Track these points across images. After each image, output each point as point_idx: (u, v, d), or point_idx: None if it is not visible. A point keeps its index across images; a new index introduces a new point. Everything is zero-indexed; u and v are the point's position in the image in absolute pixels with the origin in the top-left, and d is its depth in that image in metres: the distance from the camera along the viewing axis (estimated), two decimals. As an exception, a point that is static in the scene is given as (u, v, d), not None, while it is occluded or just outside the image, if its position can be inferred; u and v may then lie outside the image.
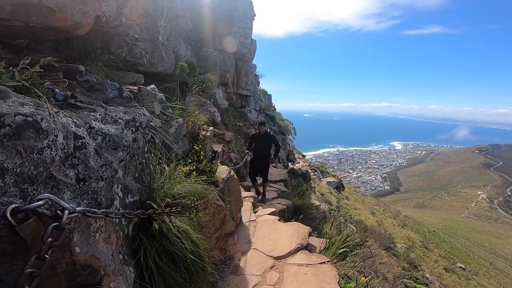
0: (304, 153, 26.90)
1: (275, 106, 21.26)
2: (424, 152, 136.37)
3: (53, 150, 0.93)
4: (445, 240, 21.34)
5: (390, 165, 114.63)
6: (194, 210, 2.08)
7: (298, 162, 16.37)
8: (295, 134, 20.43)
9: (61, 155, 0.99)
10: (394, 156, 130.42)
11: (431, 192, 75.56)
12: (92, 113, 1.30)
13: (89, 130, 1.19)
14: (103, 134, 1.25)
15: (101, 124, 1.28)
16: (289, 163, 13.63)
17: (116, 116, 1.46)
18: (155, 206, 1.63)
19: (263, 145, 5.84)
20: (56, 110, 1.06)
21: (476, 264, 17.67)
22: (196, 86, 8.13)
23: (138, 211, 1.41)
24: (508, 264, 22.32)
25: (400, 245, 13.19)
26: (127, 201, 1.53)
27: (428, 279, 10.45)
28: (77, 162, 1.08)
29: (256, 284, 2.69)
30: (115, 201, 1.31)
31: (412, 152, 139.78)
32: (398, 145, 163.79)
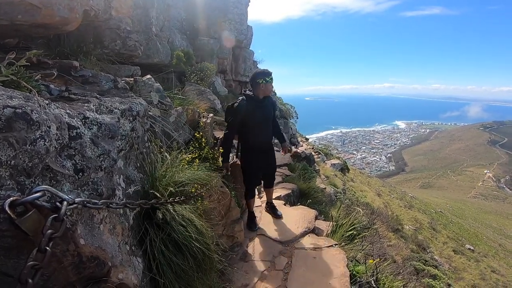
0: (307, 136, 26.82)
1: (275, 91, 21.02)
2: (428, 130, 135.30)
3: (47, 141, 0.91)
4: (453, 221, 21.42)
5: (394, 144, 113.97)
6: (198, 198, 2.08)
7: (302, 146, 16.36)
8: (297, 118, 20.32)
9: (56, 146, 0.97)
10: (398, 135, 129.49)
11: (436, 171, 75.41)
12: (86, 104, 1.27)
13: (83, 120, 1.17)
14: (99, 124, 1.22)
15: (95, 114, 1.26)
16: (293, 147, 13.63)
17: (112, 106, 1.43)
18: (158, 195, 1.63)
19: (268, 122, 3.27)
20: (47, 102, 1.03)
21: (485, 245, 17.72)
22: (194, 75, 8.07)
23: (140, 201, 1.40)
24: (517, 246, 22.48)
25: (407, 227, 13.20)
26: (129, 191, 1.53)
27: (437, 261, 10.47)
28: (73, 153, 1.06)
29: (265, 270, 2.70)
30: (117, 191, 1.31)
31: (416, 130, 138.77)
32: (401, 124, 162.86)
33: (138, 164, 1.68)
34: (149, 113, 2.15)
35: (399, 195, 21.72)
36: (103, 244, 1.14)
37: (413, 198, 23.72)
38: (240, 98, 3.11)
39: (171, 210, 1.68)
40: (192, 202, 1.98)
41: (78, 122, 1.13)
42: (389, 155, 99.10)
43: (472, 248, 15.16)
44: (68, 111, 1.12)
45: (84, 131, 1.14)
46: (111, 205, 1.12)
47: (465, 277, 11.30)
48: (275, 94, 20.12)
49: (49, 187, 0.87)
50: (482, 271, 12.66)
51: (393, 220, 12.03)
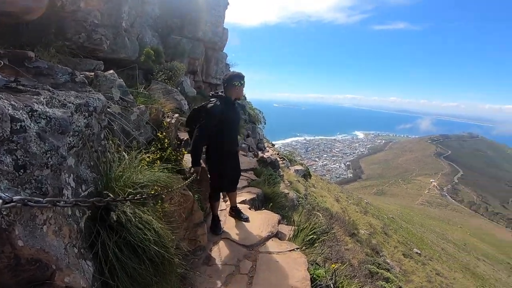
0: (273, 142, 27.32)
1: (245, 95, 21.14)
2: (383, 141, 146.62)
3: None
4: (403, 226, 23.23)
5: (353, 153, 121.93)
6: (158, 200, 2.01)
7: (268, 151, 16.60)
8: (265, 123, 20.62)
9: None
10: (357, 144, 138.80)
11: (389, 179, 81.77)
12: (35, 96, 1.17)
13: (30, 113, 1.07)
14: (48, 118, 1.13)
15: (45, 107, 1.16)
16: (259, 152, 13.77)
17: (65, 100, 1.34)
18: (112, 196, 1.54)
19: (237, 125, 3.50)
20: None
21: (430, 249, 19.37)
22: (162, 74, 7.80)
23: (94, 198, 1.32)
24: (457, 249, 25.05)
25: (363, 232, 13.88)
26: (80, 191, 1.43)
27: (389, 264, 11.07)
28: (15, 147, 0.97)
29: (230, 274, 2.69)
30: (65, 191, 1.22)
31: (372, 141, 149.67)
32: (360, 134, 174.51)
33: (92, 163, 1.58)
34: (108, 109, 2.04)
35: (356, 201, 23.01)
36: (46, 246, 1.06)
37: (368, 204, 25.29)
38: (213, 99, 3.00)
39: (128, 212, 1.61)
40: (152, 204, 1.91)
41: (24, 115, 1.04)
42: (347, 163, 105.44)
43: (419, 252, 16.52)
44: (13, 102, 1.02)
45: (30, 124, 1.05)
46: (58, 203, 1.03)
47: (414, 280, 12.26)
48: (245, 98, 20.24)
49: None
50: (428, 274, 13.85)
51: (350, 224, 12.67)
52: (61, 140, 1.18)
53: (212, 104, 2.94)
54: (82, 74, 2.24)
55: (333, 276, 2.91)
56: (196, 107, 3.21)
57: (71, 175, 1.35)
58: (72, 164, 1.35)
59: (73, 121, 1.30)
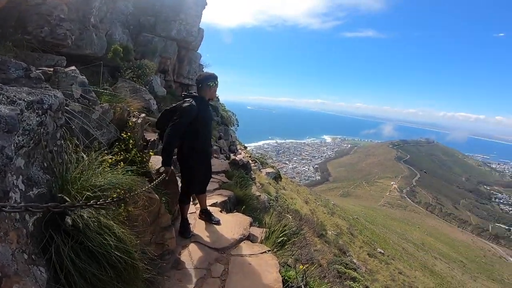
0: (245, 144, 27.38)
1: (218, 97, 20.96)
2: (349, 145, 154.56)
3: None
4: (367, 227, 24.48)
5: (321, 156, 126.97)
6: (121, 204, 1.92)
7: (240, 153, 16.60)
8: (238, 126, 20.62)
9: None
10: (325, 148, 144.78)
11: (354, 182, 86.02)
12: (-23, 90, 1.07)
13: (-29, 109, 0.97)
14: (-8, 115, 1.03)
15: (-10, 103, 1.06)
16: (231, 154, 13.72)
17: (16, 96, 1.23)
18: (68, 199, 1.45)
19: (211, 126, 3.44)
20: None
21: (392, 249, 20.60)
22: (130, 72, 7.53)
23: (49, 204, 1.23)
24: (416, 249, 26.93)
25: (330, 232, 14.31)
26: (31, 194, 1.32)
27: (356, 264, 11.48)
28: (-50, 147, 0.87)
29: (201, 278, 2.63)
30: (12, 194, 1.12)
31: (339, 145, 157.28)
32: (328, 139, 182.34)
33: (46, 164, 1.47)
34: (67, 108, 1.91)
35: (324, 203, 23.84)
36: None
37: (335, 206, 26.34)
38: (188, 99, 2.93)
39: (85, 216, 1.52)
40: (113, 208, 1.82)
41: (-37, 111, 0.94)
42: (316, 166, 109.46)
43: (382, 251, 17.47)
44: None
45: (-30, 121, 0.95)
46: (4, 208, 0.95)
47: (379, 279, 12.92)
48: (218, 99, 20.04)
49: None
50: (392, 272, 14.70)
51: (318, 226, 13.05)
52: (7, 140, 1.08)
53: (189, 103, 2.87)
54: (39, 70, 2.09)
55: (304, 277, 2.98)
56: (168, 107, 3.13)
57: (20, 176, 1.25)
58: (21, 165, 1.24)
59: (23, 119, 1.20)
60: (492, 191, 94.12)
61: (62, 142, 1.67)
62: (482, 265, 36.13)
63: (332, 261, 9.63)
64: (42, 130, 1.35)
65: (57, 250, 1.39)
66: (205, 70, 15.08)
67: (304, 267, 3.10)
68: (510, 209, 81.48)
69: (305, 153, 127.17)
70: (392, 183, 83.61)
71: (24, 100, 1.27)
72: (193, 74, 13.96)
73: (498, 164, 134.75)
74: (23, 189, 1.24)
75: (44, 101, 1.41)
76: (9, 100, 1.19)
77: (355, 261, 12.28)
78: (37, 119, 1.32)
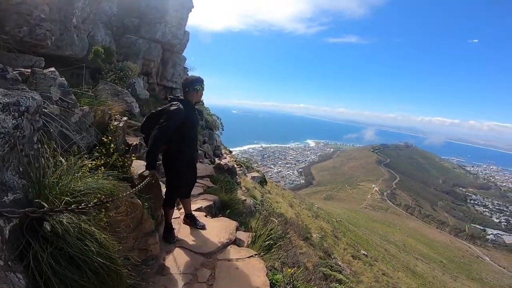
0: (230, 149, 27.28)
1: (203, 101, 20.78)
2: (332, 150, 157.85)
3: None
4: (350, 229, 24.92)
5: (305, 160, 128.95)
6: (102, 209, 1.88)
7: (225, 158, 16.52)
8: (223, 130, 20.52)
9: None
10: (308, 152, 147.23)
11: (337, 185, 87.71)
12: None
13: None
14: (-36, 117, 0.99)
15: (-38, 104, 1.02)
16: (216, 158, 13.63)
17: (-10, 97, 1.18)
18: (46, 205, 1.40)
19: (197, 130, 3.46)
20: None
21: (375, 250, 21.04)
22: (112, 74, 7.35)
23: (26, 209, 1.19)
24: (398, 250, 27.68)
25: (315, 235, 14.43)
26: (6, 199, 1.27)
27: (340, 266, 11.61)
28: None
29: (187, 283, 2.59)
30: (-15, 200, 1.07)
31: (323, 149, 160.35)
32: (311, 143, 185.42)
33: (22, 169, 1.42)
34: (45, 110, 1.85)
35: (308, 206, 24.09)
36: None
37: (319, 209, 26.68)
38: (175, 103, 2.92)
39: (64, 222, 1.48)
40: (94, 213, 1.78)
41: None
42: (300, 170, 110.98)
43: (366, 253, 17.82)
44: None
45: None
46: None
47: (363, 280, 13.14)
48: (203, 103, 19.86)
49: None
50: (376, 274, 15.01)
51: (303, 229, 13.16)
52: (-19, 143, 1.04)
53: (176, 107, 2.86)
54: (16, 70, 2.01)
55: (291, 280, 3.01)
56: (154, 110, 3.09)
57: (-6, 182, 1.20)
58: (-5, 170, 1.19)
59: (-2, 121, 1.16)
60: (467, 193, 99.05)
61: (39, 146, 1.62)
62: (461, 265, 37.74)
63: (318, 264, 9.72)
64: (18, 133, 1.30)
65: (35, 256, 1.35)
66: (189, 73, 14.95)
67: (292, 270, 3.13)
68: (484, 210, 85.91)
69: (290, 157, 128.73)
70: (373, 186, 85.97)
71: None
72: (177, 77, 13.80)
73: (472, 166, 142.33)
74: (-3, 195, 1.19)
75: (21, 103, 1.36)
76: (-17, 102, 1.15)
77: (339, 263, 12.45)
78: (13, 121, 1.27)
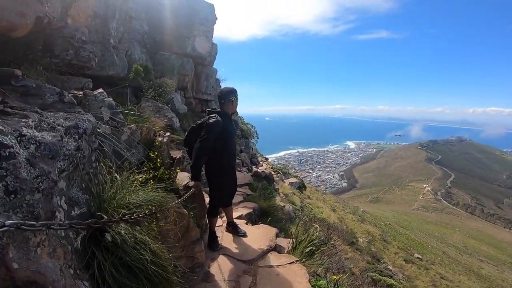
0: (266, 156, 27.33)
1: (237, 111, 21.13)
2: (375, 150, 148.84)
3: None
4: (401, 232, 23.16)
5: (346, 163, 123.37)
6: (153, 219, 1.99)
7: (262, 165, 16.58)
8: (258, 138, 20.67)
9: None
10: (349, 154, 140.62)
11: (383, 187, 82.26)
12: (23, 119, 1.17)
13: (19, 138, 1.07)
14: (37, 143, 1.13)
15: (34, 131, 1.16)
16: (253, 166, 13.74)
17: (54, 122, 1.33)
18: (106, 217, 1.53)
19: (235, 139, 3.46)
20: None
21: (431, 254, 19.25)
22: (152, 91, 7.76)
23: (89, 220, 1.31)
24: (458, 252, 24.97)
25: (361, 240, 13.73)
26: (73, 213, 1.41)
27: (391, 271, 10.93)
28: (5, 174, 0.97)
29: None
30: (57, 214, 1.21)
31: (364, 150, 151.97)
32: (352, 144, 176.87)
33: (84, 185, 1.57)
34: (98, 130, 2.03)
35: (352, 210, 22.98)
36: (41, 268, 1.06)
37: (364, 212, 25.26)
38: (213, 115, 3.04)
39: (122, 233, 1.60)
40: (146, 223, 1.89)
41: (12, 141, 1.04)
42: (341, 173, 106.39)
43: (420, 256, 16.38)
44: (0, 127, 1.02)
45: (19, 150, 1.05)
46: (52, 226, 1.04)
47: (418, 285, 12.09)
48: (237, 113, 20.31)
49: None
50: (433, 278, 13.70)
51: (348, 233, 12.57)
52: (52, 165, 1.17)
53: (214, 119, 2.97)
54: (70, 93, 2.23)
55: (336, 286, 2.89)
56: (194, 124, 3.26)
57: (63, 197, 1.34)
58: (63, 187, 1.33)
59: (63, 145, 1.30)
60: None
61: (97, 164, 1.77)
62: (538, 267, 32.57)
63: (366, 269, 9.20)
64: (79, 154, 1.45)
65: (99, 265, 1.46)
66: (222, 84, 15.40)
67: (337, 277, 3.00)
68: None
69: (329, 160, 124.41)
70: (424, 185, 79.05)
71: (62, 126, 1.38)
72: (211, 90, 14.27)
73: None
74: (66, 209, 1.33)
75: (79, 126, 1.51)
76: (49, 126, 1.30)
77: (390, 267, 11.67)
78: (75, 144, 1.42)
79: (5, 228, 0.84)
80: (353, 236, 12.83)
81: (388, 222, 25.73)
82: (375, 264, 10.46)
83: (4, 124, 1.06)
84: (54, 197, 1.21)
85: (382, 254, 13.42)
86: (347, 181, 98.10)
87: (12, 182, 0.99)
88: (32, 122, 1.19)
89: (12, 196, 0.99)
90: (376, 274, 9.04)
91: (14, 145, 1.02)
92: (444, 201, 67.65)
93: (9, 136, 1.03)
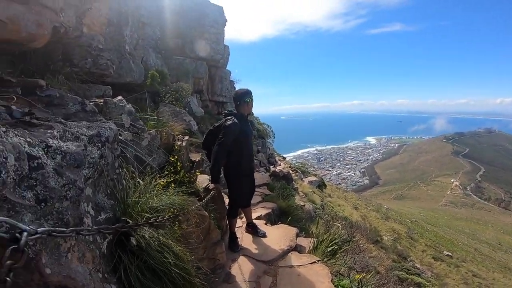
0: (284, 155, 27.16)
1: (252, 111, 21.18)
2: (397, 145, 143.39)
3: (3, 173, 0.88)
4: (428, 229, 22.19)
5: (367, 159, 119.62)
6: (176, 222, 2.03)
7: (279, 165, 16.50)
8: (274, 137, 20.61)
9: (14, 177, 0.94)
10: (370, 150, 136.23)
11: (408, 183, 79.06)
12: (49, 130, 1.23)
13: (45, 149, 1.13)
14: (63, 153, 1.18)
15: (59, 141, 1.21)
16: (271, 166, 13.71)
17: (78, 132, 1.39)
18: (131, 221, 1.58)
19: (251, 140, 3.54)
20: (4, 129, 1.00)
21: (462, 251, 18.33)
22: (169, 95, 7.92)
23: (116, 225, 1.36)
24: (491, 249, 23.57)
25: (386, 238, 13.34)
26: (100, 218, 1.47)
27: (419, 269, 10.59)
28: (34, 183, 1.02)
29: None
30: (85, 219, 1.27)
31: (386, 145, 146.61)
32: (372, 140, 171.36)
33: (109, 191, 1.63)
34: (120, 137, 2.10)
35: (375, 208, 22.31)
36: (72, 273, 1.11)
37: (388, 210, 24.45)
38: (230, 117, 3.09)
39: (146, 236, 1.64)
40: (169, 227, 1.93)
41: (40, 152, 1.09)
42: (362, 170, 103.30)
43: (450, 254, 15.62)
44: (28, 139, 1.08)
45: (47, 161, 1.10)
46: (81, 232, 1.09)
47: (448, 283, 11.54)
48: (253, 113, 20.35)
49: (7, 218, 0.84)
50: (464, 275, 13.03)
51: (372, 232, 12.22)
52: (77, 174, 1.22)
53: (231, 121, 3.01)
54: (92, 102, 2.31)
55: (360, 285, 2.81)
56: (212, 127, 3.31)
57: (90, 203, 1.39)
58: (89, 194, 1.39)
59: (87, 153, 1.35)
60: None
61: (120, 170, 1.83)
62: None
63: (392, 268, 8.90)
64: (103, 161, 1.50)
65: (125, 269, 1.51)
66: (236, 86, 15.48)
67: (361, 276, 2.92)
68: None
69: (349, 157, 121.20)
70: (452, 180, 75.19)
71: (85, 135, 1.43)
72: (226, 92, 14.39)
73: None
74: (93, 214, 1.39)
75: (102, 134, 1.56)
76: (73, 136, 1.35)
77: (418, 265, 11.24)
78: (98, 152, 1.47)
79: (38, 235, 0.88)
80: (377, 234, 12.46)
81: (414, 219, 24.74)
82: (401, 263, 10.13)
83: (31, 136, 1.11)
84: (81, 203, 1.26)
85: (409, 252, 12.92)
86: (369, 178, 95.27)
87: (42, 191, 1.04)
88: (57, 132, 1.24)
89: (43, 204, 1.04)
90: (403, 273, 8.76)
91: (41, 156, 1.07)
92: (475, 196, 64.05)
93: (37, 148, 1.08)
